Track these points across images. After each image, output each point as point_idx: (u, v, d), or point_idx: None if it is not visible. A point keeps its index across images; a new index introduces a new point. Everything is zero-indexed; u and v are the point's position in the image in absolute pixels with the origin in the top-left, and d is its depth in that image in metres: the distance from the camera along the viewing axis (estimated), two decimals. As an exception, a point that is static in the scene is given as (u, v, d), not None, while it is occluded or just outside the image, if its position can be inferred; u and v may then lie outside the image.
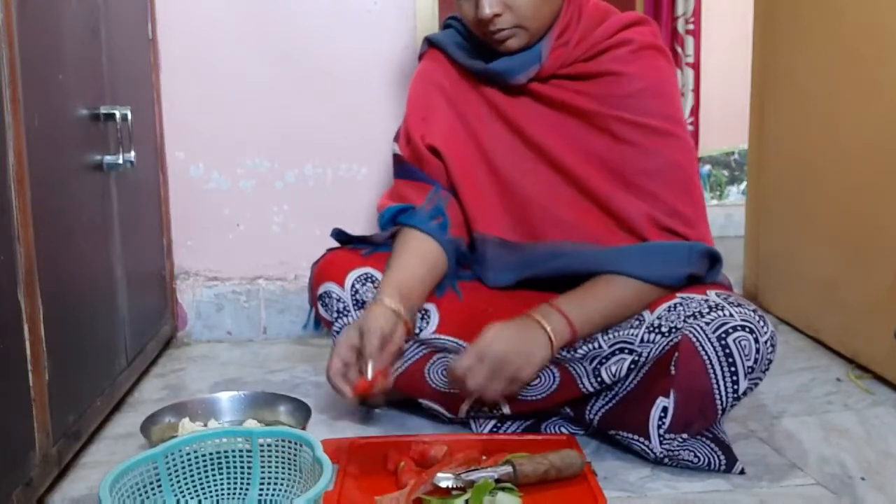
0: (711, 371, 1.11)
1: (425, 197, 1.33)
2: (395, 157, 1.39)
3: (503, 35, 1.24)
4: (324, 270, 1.34)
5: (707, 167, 3.41)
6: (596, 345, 1.19)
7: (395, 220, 1.33)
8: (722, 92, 3.24)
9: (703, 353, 1.11)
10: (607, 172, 1.26)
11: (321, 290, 1.32)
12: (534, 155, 1.30)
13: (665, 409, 1.14)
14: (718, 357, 1.11)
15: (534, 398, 1.24)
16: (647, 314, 1.19)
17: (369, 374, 1.14)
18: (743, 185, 3.31)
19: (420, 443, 1.16)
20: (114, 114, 1.35)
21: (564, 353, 1.20)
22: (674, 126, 1.26)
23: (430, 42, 1.42)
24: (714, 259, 1.24)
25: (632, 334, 1.18)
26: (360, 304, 1.30)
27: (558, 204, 1.28)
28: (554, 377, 1.22)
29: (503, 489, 1.02)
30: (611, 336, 1.19)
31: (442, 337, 1.28)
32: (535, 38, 1.26)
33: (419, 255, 1.27)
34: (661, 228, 1.23)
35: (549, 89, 1.29)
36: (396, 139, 1.40)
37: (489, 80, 1.33)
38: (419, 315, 1.28)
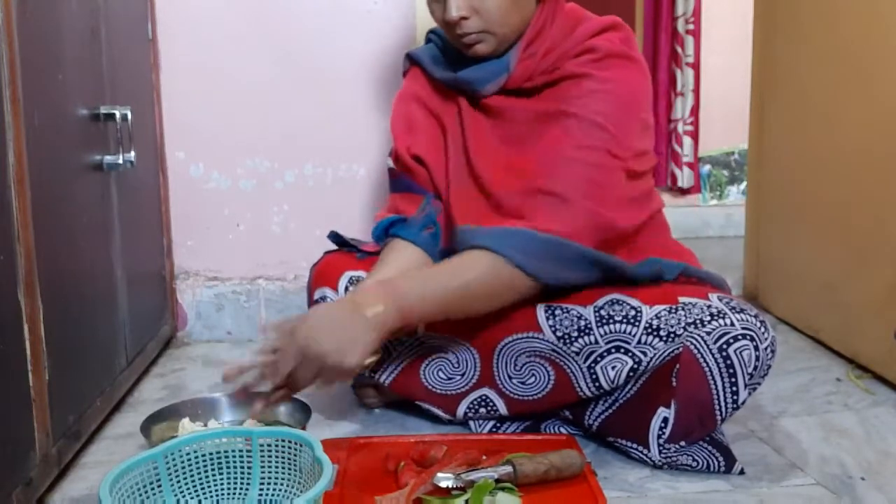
0: (712, 382, 1.11)
1: (417, 207, 1.33)
2: (389, 171, 1.39)
3: (471, 39, 1.23)
4: (320, 275, 1.35)
5: (707, 167, 3.41)
6: (592, 339, 1.19)
7: (387, 231, 1.32)
8: (722, 92, 3.24)
9: (704, 364, 1.12)
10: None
11: (317, 295, 1.33)
12: (471, 180, 1.29)
13: (665, 420, 1.15)
14: (720, 368, 1.11)
15: (530, 398, 1.24)
16: (644, 309, 1.17)
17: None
18: (743, 185, 3.31)
19: (420, 443, 1.16)
20: (114, 114, 1.35)
21: (563, 348, 1.20)
22: (618, 130, 1.18)
23: (409, 58, 1.42)
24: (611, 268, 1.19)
25: (628, 332, 1.17)
26: None
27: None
28: (549, 376, 1.22)
29: (503, 489, 1.02)
30: (606, 330, 1.18)
31: (435, 335, 1.28)
32: (505, 45, 1.25)
33: (405, 262, 1.26)
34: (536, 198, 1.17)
35: (509, 102, 1.27)
36: (391, 155, 1.39)
37: (461, 90, 1.32)
38: None
